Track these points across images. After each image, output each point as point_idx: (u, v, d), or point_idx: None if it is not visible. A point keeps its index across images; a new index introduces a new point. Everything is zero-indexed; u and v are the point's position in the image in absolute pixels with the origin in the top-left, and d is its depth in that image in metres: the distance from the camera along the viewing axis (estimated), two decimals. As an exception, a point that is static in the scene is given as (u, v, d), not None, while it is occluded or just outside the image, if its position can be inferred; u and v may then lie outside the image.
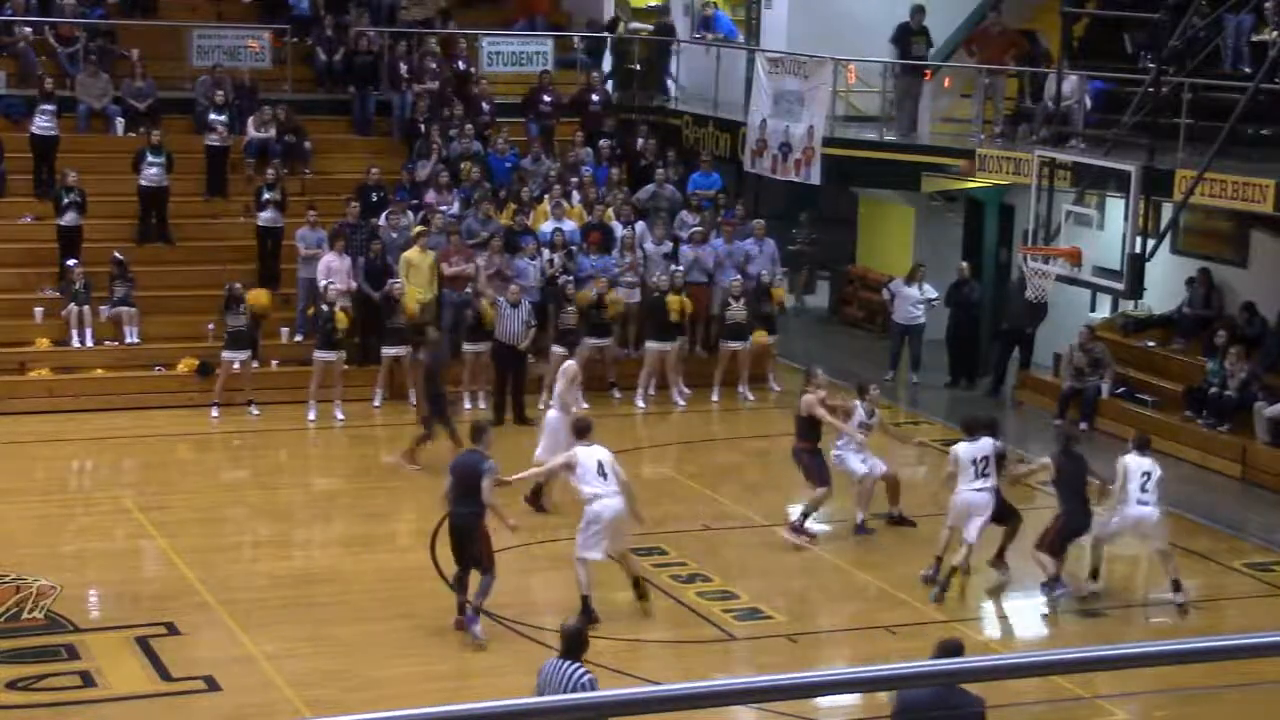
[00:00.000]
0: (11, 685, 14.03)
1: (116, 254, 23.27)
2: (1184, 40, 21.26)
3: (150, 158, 24.31)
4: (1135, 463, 16.62)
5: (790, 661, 15.05)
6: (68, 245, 23.54)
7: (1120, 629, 16.31)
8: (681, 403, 23.50)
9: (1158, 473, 16.59)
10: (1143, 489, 16.38)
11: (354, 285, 22.90)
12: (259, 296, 22.42)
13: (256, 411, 22.04)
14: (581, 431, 16.12)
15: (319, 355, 22.15)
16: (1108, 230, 21.14)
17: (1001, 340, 24.87)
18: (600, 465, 15.63)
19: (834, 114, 25.71)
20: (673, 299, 23.41)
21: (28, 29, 26.70)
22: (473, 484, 15.02)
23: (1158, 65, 21.26)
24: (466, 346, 22.86)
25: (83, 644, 14.85)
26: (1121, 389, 22.89)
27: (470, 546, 15.10)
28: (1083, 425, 22.77)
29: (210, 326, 22.55)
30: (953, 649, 10.96)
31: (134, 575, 17.06)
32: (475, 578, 15.16)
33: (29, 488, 19.54)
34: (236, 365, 22.04)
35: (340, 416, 21.97)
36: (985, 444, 16.68)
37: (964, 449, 16.76)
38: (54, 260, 23.58)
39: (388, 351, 22.65)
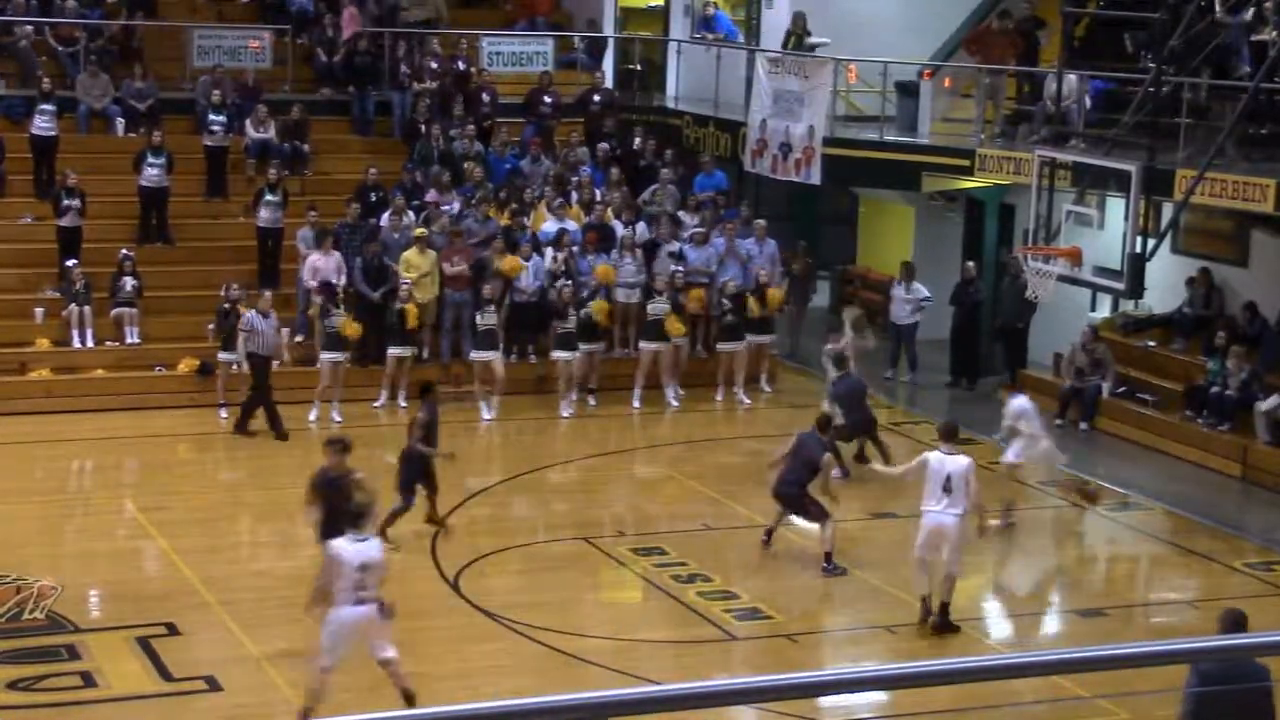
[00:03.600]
0: (12, 685, 14.03)
1: (125, 250, 23.24)
2: (1184, 40, 21.25)
3: (150, 158, 24.31)
4: (1023, 404, 18.65)
5: (791, 661, 15.05)
6: (68, 246, 23.54)
7: (1120, 629, 16.30)
8: (675, 403, 23.46)
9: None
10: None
11: (341, 283, 22.86)
12: (349, 327, 22.31)
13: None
14: (948, 435, 15.77)
15: (325, 357, 22.15)
16: (1108, 230, 21.14)
17: (999, 338, 24.91)
18: (949, 479, 15.34)
19: (834, 114, 25.71)
20: (694, 293, 23.47)
21: (28, 29, 26.71)
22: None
23: (1158, 65, 21.25)
24: (474, 355, 22.81)
25: (83, 644, 14.85)
26: (1122, 389, 22.90)
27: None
28: (1083, 425, 22.80)
29: (210, 327, 22.52)
30: (1236, 621, 10.95)
31: (134, 575, 17.05)
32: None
33: (29, 488, 19.53)
34: (234, 366, 22.04)
35: (338, 418, 21.96)
36: (960, 460, 15.53)
37: (934, 460, 15.58)
38: (54, 261, 23.58)
39: (393, 351, 22.64)
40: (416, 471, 17.46)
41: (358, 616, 13.02)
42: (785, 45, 26.52)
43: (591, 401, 23.31)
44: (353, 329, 22.13)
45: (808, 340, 25.37)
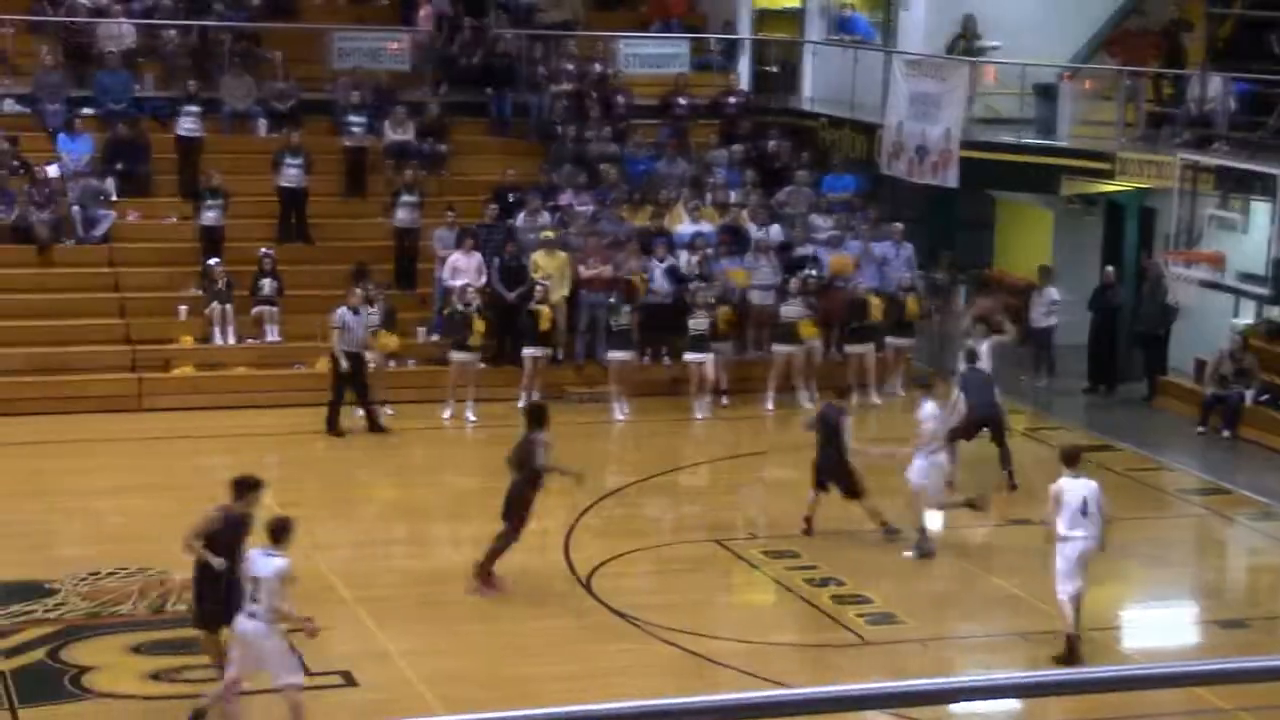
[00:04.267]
0: (155, 676, 14.30)
1: (265, 250, 23.61)
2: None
3: (289, 158, 24.67)
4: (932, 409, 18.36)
5: (922, 667, 14.94)
6: (210, 245, 23.95)
7: (1266, 640, 16.00)
8: (808, 405, 23.35)
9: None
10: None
11: (483, 284, 23.06)
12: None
13: (391, 411, 22.24)
14: (1070, 460, 15.39)
15: (454, 356, 22.34)
16: (1252, 234, 20.78)
17: (1139, 344, 24.57)
18: (1085, 502, 14.99)
19: (971, 116, 25.49)
20: (805, 325, 23.36)
21: (173, 32, 27.20)
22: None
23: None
24: (612, 355, 22.90)
25: (222, 637, 15.06)
26: (1266, 396, 22.48)
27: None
28: (1226, 433, 22.40)
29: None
30: None
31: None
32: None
33: (173, 483, 19.84)
34: (372, 365, 22.28)
35: (472, 418, 22.12)
36: (1091, 484, 15.11)
37: (1071, 486, 15.06)
38: (197, 260, 23.99)
39: (528, 352, 22.78)
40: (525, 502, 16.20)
41: (243, 629, 12.91)
42: (952, 50, 25.98)
43: (724, 402, 23.30)
44: (478, 324, 22.21)
45: (946, 345, 25.14)
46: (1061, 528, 14.93)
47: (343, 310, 21.44)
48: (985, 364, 20.26)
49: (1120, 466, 21.04)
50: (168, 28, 27.29)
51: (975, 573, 17.44)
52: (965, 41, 25.97)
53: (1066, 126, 25.16)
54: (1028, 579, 16.98)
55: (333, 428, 21.48)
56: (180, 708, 13.61)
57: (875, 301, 23.61)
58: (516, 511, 16.03)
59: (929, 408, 18.03)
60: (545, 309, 22.73)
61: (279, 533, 13.05)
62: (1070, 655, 15.02)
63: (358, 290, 21.88)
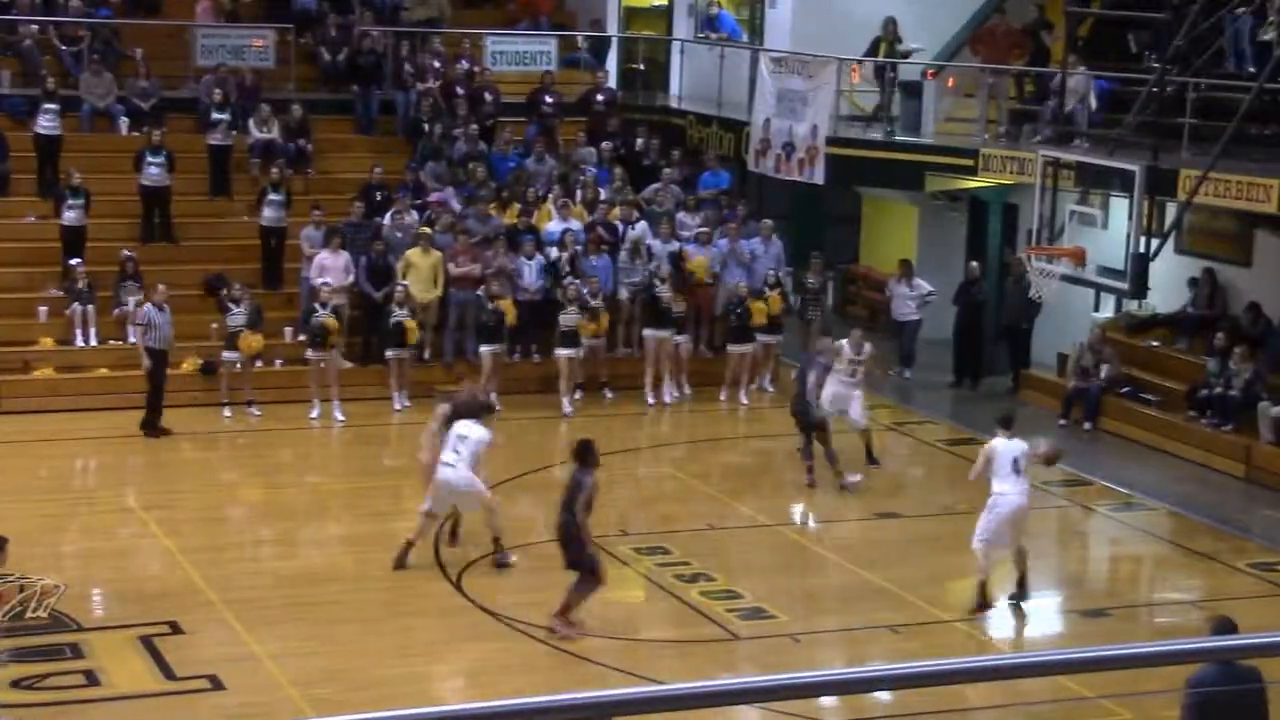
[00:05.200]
0: (16, 684, 14.02)
1: (126, 252, 23.24)
2: (1188, 40, 21.24)
3: (150, 157, 24.32)
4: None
5: (794, 661, 15.04)
6: (71, 245, 23.55)
7: (1126, 629, 16.29)
8: (668, 399, 23.41)
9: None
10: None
11: (349, 283, 22.91)
12: (250, 342, 22.26)
13: (258, 412, 22.03)
14: (1006, 423, 16.36)
15: (309, 355, 22.19)
16: (1112, 230, 21.11)
17: (1003, 338, 24.93)
18: (1015, 461, 16.00)
19: (838, 113, 25.70)
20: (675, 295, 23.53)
21: (32, 28, 26.72)
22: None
23: (1162, 65, 21.24)
24: (484, 348, 22.82)
25: (86, 643, 14.85)
26: (1126, 388, 22.88)
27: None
28: (1087, 425, 22.79)
29: (215, 326, 22.54)
30: (1226, 627, 11.17)
31: (138, 574, 17.04)
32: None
33: (33, 487, 19.54)
34: (237, 365, 22.06)
35: (340, 417, 21.95)
36: (1021, 444, 16.26)
37: (1004, 446, 16.16)
38: (57, 260, 23.58)
39: (390, 354, 22.63)
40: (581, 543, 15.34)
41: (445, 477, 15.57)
42: (874, 52, 25.82)
43: (608, 394, 23.42)
44: (329, 323, 22.01)
45: (810, 340, 25.33)
46: (994, 485, 16.00)
47: (148, 308, 21.09)
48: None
49: (985, 459, 21.31)
50: (25, 23, 26.78)
51: (844, 566, 17.58)
52: (887, 45, 25.81)
53: (931, 124, 25.44)
54: (896, 572, 17.17)
55: (153, 429, 21.10)
56: (43, 715, 13.37)
57: (759, 306, 23.70)
58: (580, 554, 15.21)
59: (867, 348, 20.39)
60: (412, 323, 22.53)
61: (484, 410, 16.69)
62: (984, 601, 16.11)
63: (162, 287, 21.44)
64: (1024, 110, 25.03)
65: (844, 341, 20.75)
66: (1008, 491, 16.01)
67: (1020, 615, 16.41)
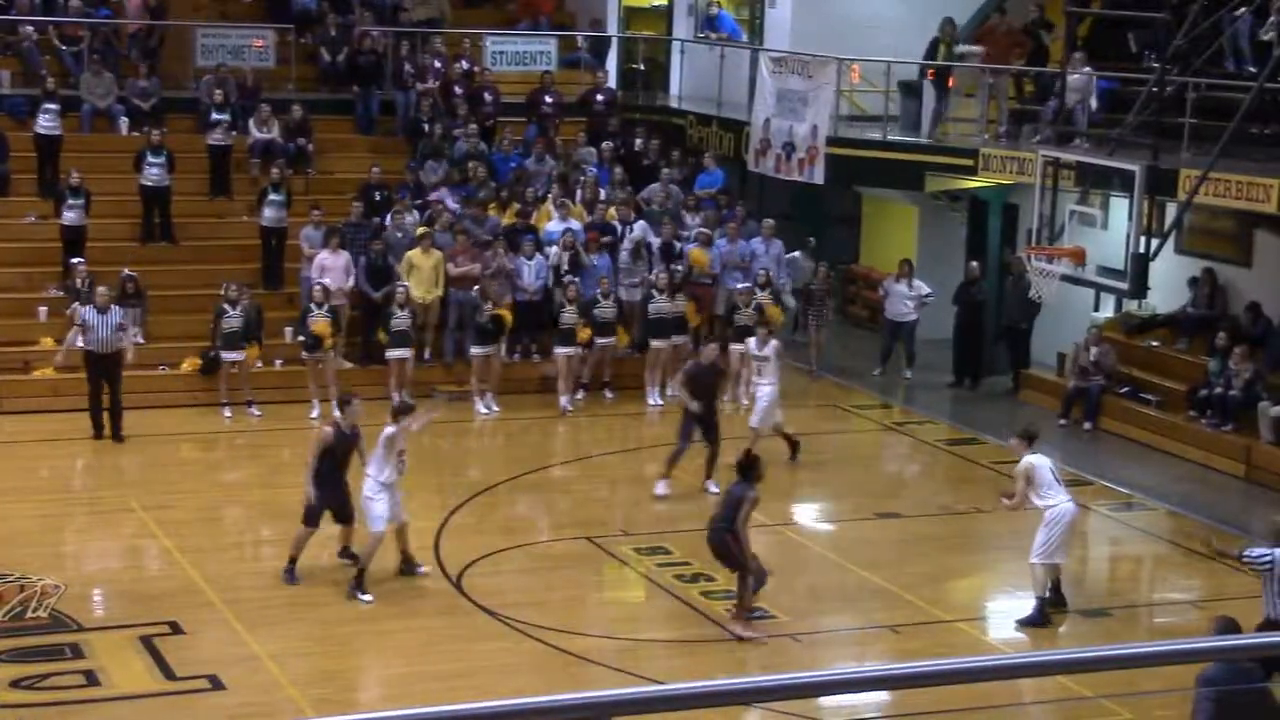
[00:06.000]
0: (16, 684, 14.03)
1: (126, 271, 23.10)
2: (1188, 40, 21.24)
3: (150, 158, 24.32)
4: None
5: (794, 661, 15.05)
6: (71, 244, 23.55)
7: (1124, 629, 16.29)
8: (657, 402, 23.37)
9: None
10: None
11: (350, 284, 22.92)
12: (251, 352, 22.22)
13: (258, 412, 22.03)
14: (1030, 439, 16.23)
15: (305, 356, 22.20)
16: (1112, 230, 21.11)
17: (1003, 338, 24.93)
18: (1052, 471, 16.01)
19: (838, 113, 25.70)
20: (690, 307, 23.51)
21: (31, 28, 26.73)
22: None
23: (1162, 65, 21.24)
24: (475, 350, 22.84)
25: (87, 643, 14.85)
26: (1125, 389, 22.88)
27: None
28: (1087, 425, 22.79)
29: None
30: (1229, 627, 11.36)
31: (138, 574, 17.06)
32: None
33: (33, 487, 19.55)
34: (235, 367, 22.07)
35: (336, 414, 21.92)
36: (1043, 457, 16.17)
37: (1040, 461, 16.08)
38: (58, 260, 23.58)
39: (392, 354, 22.63)
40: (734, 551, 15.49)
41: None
42: (933, 53, 25.29)
43: (609, 395, 23.43)
44: (320, 326, 21.99)
45: (839, 355, 25.42)
46: (1043, 500, 15.84)
47: (87, 310, 20.90)
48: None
49: (985, 459, 21.34)
50: (26, 24, 26.79)
51: (844, 566, 17.59)
52: (946, 47, 25.45)
53: (931, 124, 25.45)
54: (895, 572, 17.17)
55: (115, 434, 20.95)
56: (43, 715, 13.37)
57: (775, 311, 23.70)
58: (736, 559, 15.39)
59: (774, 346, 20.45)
60: (504, 312, 22.71)
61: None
62: (1046, 618, 15.97)
63: (102, 289, 21.22)
64: (1024, 110, 25.03)
65: (750, 340, 20.86)
66: (1061, 501, 15.97)
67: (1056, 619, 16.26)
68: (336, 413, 17.08)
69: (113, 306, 20.93)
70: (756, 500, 15.43)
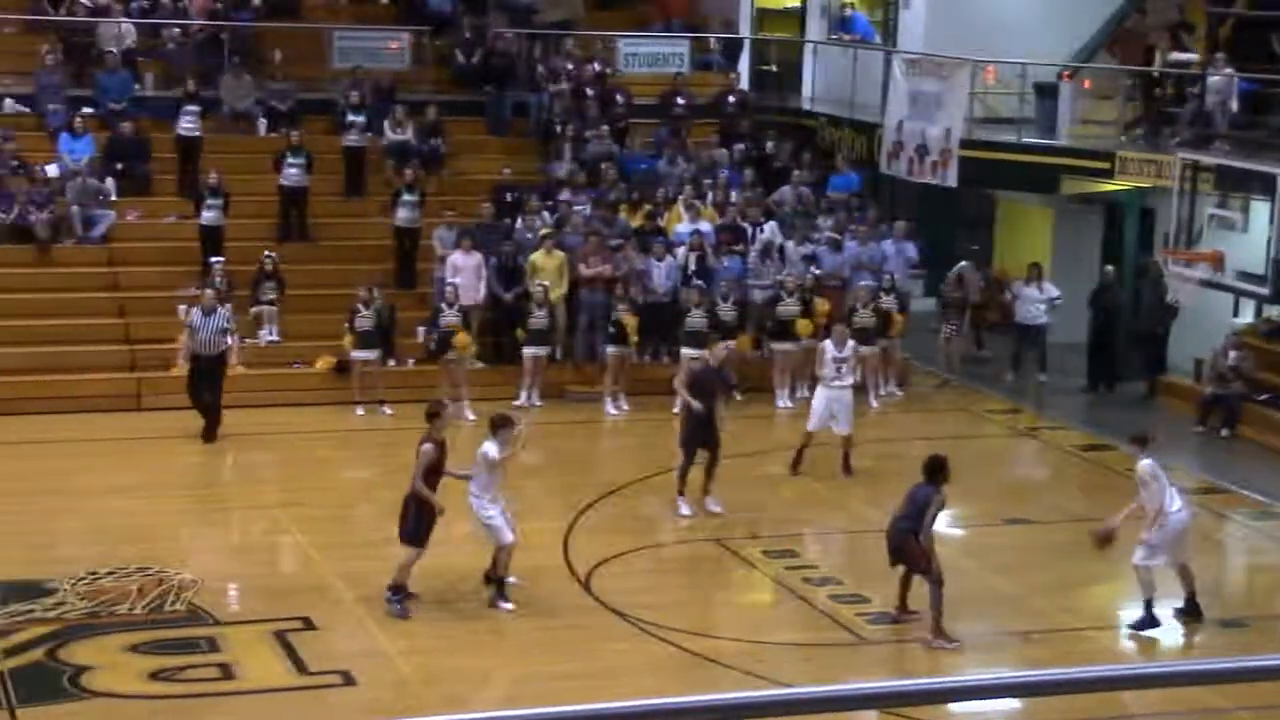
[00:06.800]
0: (154, 676, 14.29)
1: (269, 253, 23.52)
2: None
3: (290, 158, 24.67)
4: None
5: (921, 667, 14.94)
6: (210, 244, 23.94)
7: (1260, 641, 15.99)
8: (787, 404, 23.28)
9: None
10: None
11: (482, 293, 23.07)
12: (464, 340, 22.47)
13: (389, 410, 22.24)
14: (1144, 441, 16.04)
15: (436, 354, 22.39)
16: (1252, 233, 20.78)
17: (1138, 344, 24.58)
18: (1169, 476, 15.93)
19: (972, 115, 25.49)
20: (803, 322, 23.32)
21: (174, 31, 27.21)
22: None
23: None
24: (609, 350, 22.90)
25: (222, 636, 15.09)
26: (1264, 395, 22.47)
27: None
28: (1224, 432, 22.40)
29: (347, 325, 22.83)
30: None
31: (272, 570, 17.32)
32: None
33: (171, 482, 19.88)
34: (368, 366, 22.31)
35: (471, 416, 22.10)
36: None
37: (1156, 466, 15.75)
38: (197, 259, 23.98)
39: (528, 351, 22.79)
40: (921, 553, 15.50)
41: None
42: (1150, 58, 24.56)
43: (738, 396, 23.38)
44: (459, 342, 22.18)
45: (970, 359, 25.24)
46: (1174, 503, 15.63)
47: (194, 311, 21.14)
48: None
49: (1120, 466, 21.03)
50: (168, 27, 27.29)
51: (973, 572, 17.42)
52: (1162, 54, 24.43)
53: (1066, 126, 25.16)
54: (1025, 578, 16.99)
55: (206, 436, 21.08)
56: (179, 708, 13.61)
57: (898, 319, 23.56)
58: (915, 562, 15.44)
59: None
60: (628, 318, 22.74)
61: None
62: (1153, 619, 15.73)
63: (209, 291, 21.52)
64: (1162, 113, 24.67)
65: (827, 342, 20.37)
66: (1180, 508, 15.78)
67: (1189, 629, 16.08)
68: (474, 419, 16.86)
69: (217, 309, 21.19)
70: (943, 502, 15.37)
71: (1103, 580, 17.49)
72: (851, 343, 20.42)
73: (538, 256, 23.45)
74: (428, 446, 15.61)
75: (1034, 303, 24.63)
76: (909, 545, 15.33)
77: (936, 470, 15.41)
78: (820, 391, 20.18)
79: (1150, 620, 15.80)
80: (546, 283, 23.05)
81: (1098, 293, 24.59)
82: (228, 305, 21.73)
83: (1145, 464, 15.75)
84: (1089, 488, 20.56)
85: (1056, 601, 16.49)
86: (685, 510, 18.48)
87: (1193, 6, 24.90)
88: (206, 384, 21.07)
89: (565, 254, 23.56)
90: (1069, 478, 21.38)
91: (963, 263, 25.70)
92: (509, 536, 15.83)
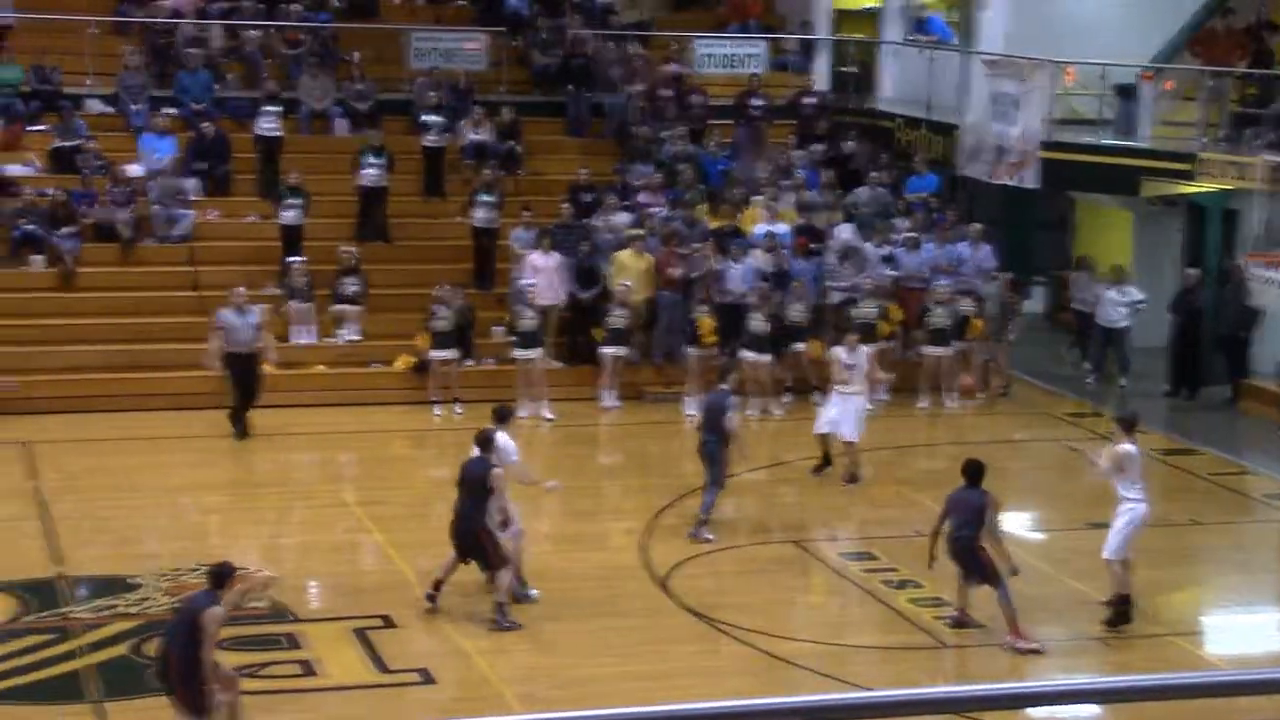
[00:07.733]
0: (236, 671, 14.39)
1: (350, 249, 23.65)
2: None
3: (371, 158, 24.83)
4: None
5: (1001, 670, 14.86)
6: (290, 243, 24.13)
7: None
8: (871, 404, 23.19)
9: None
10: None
11: (562, 294, 23.11)
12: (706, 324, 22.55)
13: (460, 410, 22.28)
14: (1129, 426, 15.97)
15: (517, 354, 22.46)
16: (1337, 236, 20.56)
17: (1220, 347, 24.33)
18: (1141, 468, 15.83)
19: (1051, 116, 25.32)
20: (883, 325, 23.24)
21: (254, 32, 27.47)
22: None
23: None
24: (689, 351, 22.89)
25: (303, 633, 15.21)
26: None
27: None
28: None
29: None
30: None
31: (352, 568, 17.43)
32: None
33: (252, 480, 20.07)
34: (445, 365, 22.43)
35: (549, 415, 22.16)
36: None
37: (1137, 451, 15.78)
38: (276, 258, 24.18)
39: (606, 351, 22.85)
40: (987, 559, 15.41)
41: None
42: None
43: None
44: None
45: (1021, 345, 24.98)
46: (1128, 491, 15.51)
47: (225, 311, 21.12)
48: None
49: (1203, 471, 20.86)
50: (249, 28, 27.55)
51: (1054, 576, 17.31)
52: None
53: (1147, 127, 24.95)
54: (1106, 583, 16.84)
55: (237, 429, 21.13)
56: (260, 703, 13.72)
57: (976, 324, 23.44)
58: (988, 571, 15.33)
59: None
60: (707, 319, 22.70)
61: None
62: (1127, 615, 15.62)
63: (241, 289, 21.53)
64: (1246, 114, 24.41)
65: (837, 348, 20.07)
66: (1143, 499, 15.65)
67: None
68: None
69: (251, 308, 21.23)
70: (999, 502, 15.32)
71: (1186, 586, 17.34)
72: (861, 349, 19.98)
73: (625, 256, 23.48)
74: (497, 471, 15.46)
75: (1116, 305, 24.43)
76: (980, 556, 15.25)
77: (980, 473, 15.35)
78: (831, 398, 19.90)
79: (1125, 617, 15.71)
80: (629, 282, 23.09)
81: (1181, 296, 24.36)
82: (259, 306, 21.65)
83: (1131, 449, 15.60)
84: (1171, 492, 20.35)
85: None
86: (707, 535, 18.00)
87: (1277, 7, 24.65)
88: (243, 382, 21.01)
89: (650, 256, 23.58)
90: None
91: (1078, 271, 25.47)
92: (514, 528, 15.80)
